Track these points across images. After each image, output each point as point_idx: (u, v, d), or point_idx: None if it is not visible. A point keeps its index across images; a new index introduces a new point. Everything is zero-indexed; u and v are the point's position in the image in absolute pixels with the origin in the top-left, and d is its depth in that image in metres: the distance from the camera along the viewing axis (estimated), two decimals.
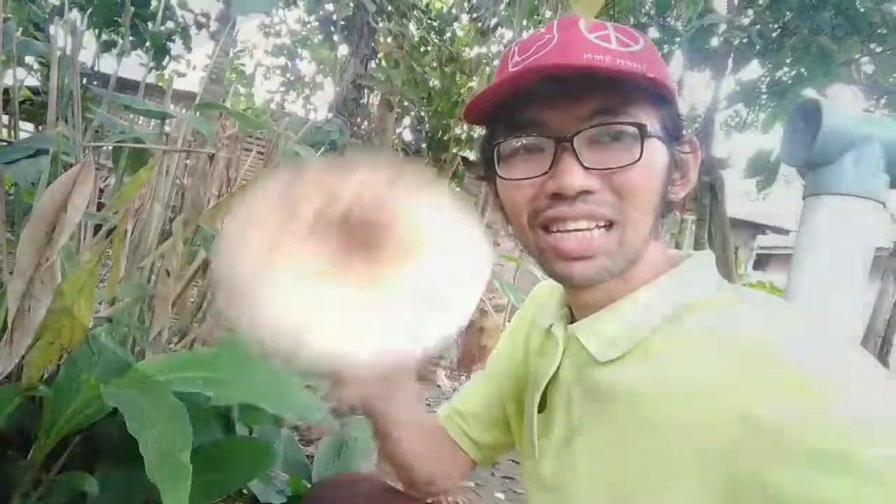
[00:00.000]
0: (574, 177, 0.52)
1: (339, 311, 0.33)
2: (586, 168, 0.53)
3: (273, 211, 0.38)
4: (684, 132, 0.59)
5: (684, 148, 0.59)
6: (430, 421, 0.82)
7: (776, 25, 3.97)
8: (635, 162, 0.53)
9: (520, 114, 0.56)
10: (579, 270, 0.55)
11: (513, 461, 2.28)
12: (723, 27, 3.74)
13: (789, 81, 4.15)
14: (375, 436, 0.72)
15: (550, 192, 0.54)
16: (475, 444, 0.81)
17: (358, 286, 0.34)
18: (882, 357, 3.89)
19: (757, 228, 12.69)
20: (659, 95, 0.55)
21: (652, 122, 0.54)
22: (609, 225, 0.54)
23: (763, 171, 3.70)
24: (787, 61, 4.04)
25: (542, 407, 0.67)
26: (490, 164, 0.60)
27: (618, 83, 0.52)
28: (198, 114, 1.34)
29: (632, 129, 0.53)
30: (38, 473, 0.95)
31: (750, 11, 4.14)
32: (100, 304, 1.17)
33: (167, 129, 1.44)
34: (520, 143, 0.57)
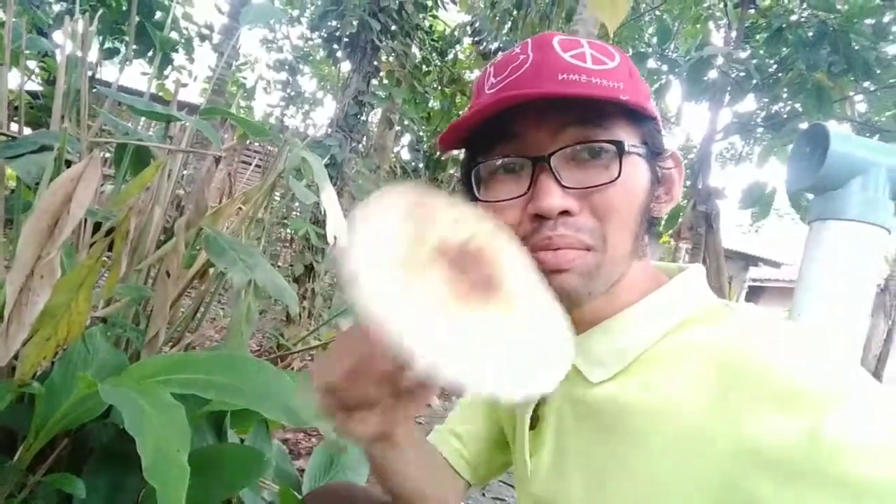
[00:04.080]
0: (553, 197, 0.51)
1: (473, 341, 0.32)
2: (565, 188, 0.52)
3: (400, 227, 0.37)
4: (666, 148, 0.58)
5: (667, 163, 0.58)
6: (429, 447, 0.79)
7: (773, 60, 4.06)
8: (614, 181, 0.52)
9: (496, 136, 0.55)
10: (558, 283, 0.53)
11: (503, 482, 2.25)
12: (720, 59, 3.81)
13: (785, 115, 4.22)
14: (377, 473, 0.68)
15: (531, 214, 0.53)
16: (471, 466, 0.80)
17: (482, 320, 0.34)
18: None
19: (749, 260, 12.81)
20: (638, 111, 0.54)
21: (631, 139, 0.54)
22: (588, 248, 0.53)
23: (758, 202, 3.75)
24: (784, 96, 4.12)
25: (534, 424, 0.66)
26: (470, 188, 0.59)
27: (594, 101, 0.51)
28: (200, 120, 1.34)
29: (610, 147, 0.52)
30: (24, 475, 0.93)
31: (748, 46, 4.23)
32: (95, 304, 1.15)
33: (170, 134, 1.44)
34: (497, 165, 0.56)
